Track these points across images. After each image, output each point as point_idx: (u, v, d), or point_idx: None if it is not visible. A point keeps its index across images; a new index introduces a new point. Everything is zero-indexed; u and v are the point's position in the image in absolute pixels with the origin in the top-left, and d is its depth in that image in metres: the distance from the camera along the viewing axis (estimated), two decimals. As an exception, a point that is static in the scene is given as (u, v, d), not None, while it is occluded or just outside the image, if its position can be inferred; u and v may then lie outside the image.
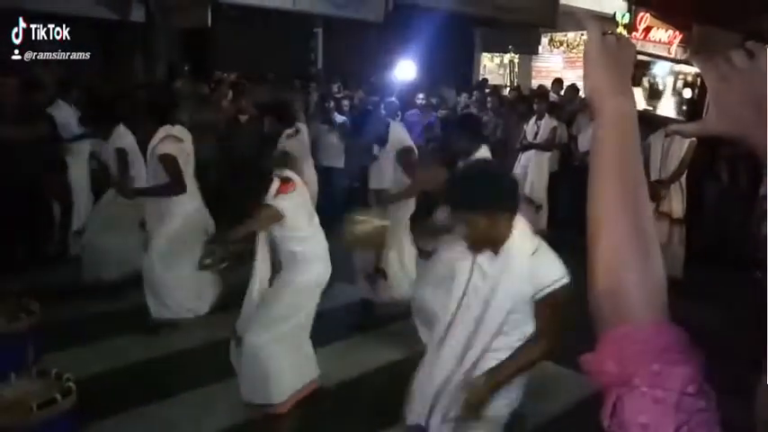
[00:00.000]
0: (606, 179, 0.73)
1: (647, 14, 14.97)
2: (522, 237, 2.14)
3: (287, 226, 2.96)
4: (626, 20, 14.58)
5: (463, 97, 9.43)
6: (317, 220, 3.20)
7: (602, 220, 0.72)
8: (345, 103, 7.66)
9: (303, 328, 3.13)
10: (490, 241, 2.14)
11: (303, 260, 3.05)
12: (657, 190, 5.56)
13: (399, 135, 4.44)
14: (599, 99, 0.78)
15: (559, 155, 7.38)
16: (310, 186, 4.16)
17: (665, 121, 0.79)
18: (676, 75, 0.80)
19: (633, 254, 0.70)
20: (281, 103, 5.66)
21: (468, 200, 2.13)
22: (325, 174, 6.24)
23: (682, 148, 5.50)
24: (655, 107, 0.80)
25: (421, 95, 8.44)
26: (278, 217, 2.92)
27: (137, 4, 9.30)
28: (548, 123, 7.03)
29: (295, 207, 2.98)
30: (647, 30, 15.02)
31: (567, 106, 8.17)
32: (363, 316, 4.43)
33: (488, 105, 7.79)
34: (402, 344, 3.90)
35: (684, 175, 5.60)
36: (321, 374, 3.26)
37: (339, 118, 7.19)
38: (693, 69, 0.80)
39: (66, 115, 5.58)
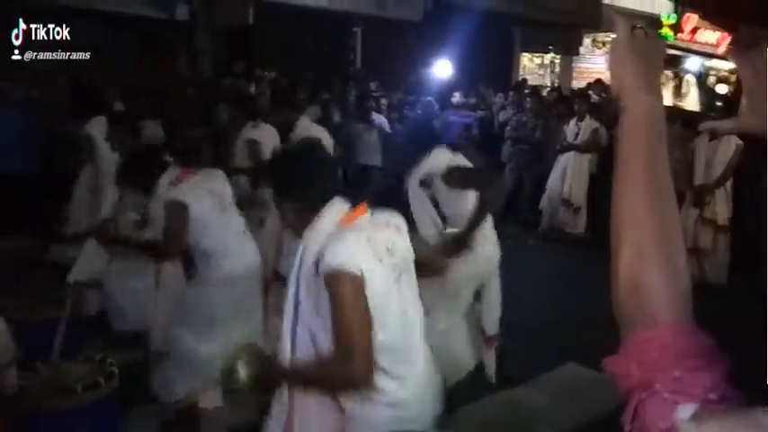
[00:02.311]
0: (631, 179, 0.72)
1: (694, 15, 14.58)
2: (328, 221, 1.81)
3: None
4: (672, 20, 14.22)
5: (499, 97, 9.35)
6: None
7: (626, 222, 0.71)
8: (383, 101, 7.69)
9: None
10: (291, 225, 1.96)
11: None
12: (702, 195, 5.42)
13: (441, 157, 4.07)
14: (625, 96, 0.76)
15: (600, 157, 7.26)
16: None
17: (695, 117, 0.76)
18: (708, 71, 0.78)
19: (658, 257, 0.68)
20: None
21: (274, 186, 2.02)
22: (363, 172, 6.29)
23: (727, 151, 5.36)
24: (682, 103, 0.77)
25: (458, 95, 8.41)
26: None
27: (181, 3, 9.53)
28: (588, 125, 6.93)
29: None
30: (694, 31, 14.61)
31: (608, 107, 8.02)
32: None
33: (527, 106, 7.72)
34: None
35: (730, 180, 5.45)
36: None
37: (377, 117, 7.23)
38: (727, 65, 0.78)
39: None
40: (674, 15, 14.33)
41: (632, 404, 0.63)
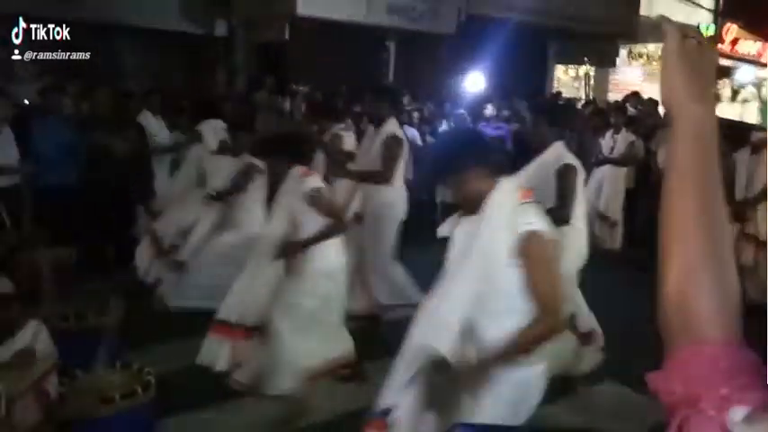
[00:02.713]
0: (681, 192, 0.70)
1: (734, 25, 14.25)
2: (506, 192, 2.04)
3: None
4: (711, 31, 13.93)
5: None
6: None
7: (675, 236, 0.69)
8: (415, 115, 7.71)
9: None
10: (470, 199, 2.08)
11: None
12: (743, 210, 5.27)
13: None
14: (676, 107, 0.74)
15: (636, 170, 7.13)
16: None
17: (750, 128, 0.75)
18: (761, 81, 0.76)
19: (706, 272, 0.67)
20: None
21: (440, 165, 2.19)
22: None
23: (771, 165, 5.21)
24: (740, 115, 0.76)
25: (490, 107, 8.39)
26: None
27: (220, 20, 9.78)
28: (625, 137, 6.81)
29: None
30: (734, 42, 14.28)
31: (645, 120, 7.89)
32: None
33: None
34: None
35: (773, 195, 5.28)
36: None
37: (409, 130, 7.24)
38: None
39: (151, 124, 5.91)
40: (713, 26, 14.04)
41: (675, 422, 0.62)
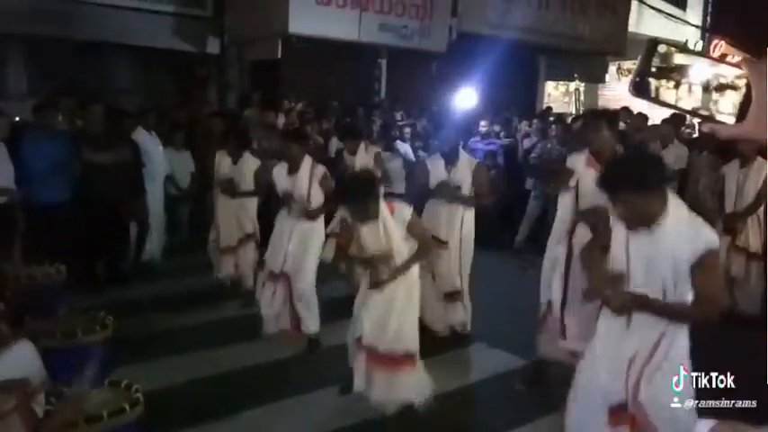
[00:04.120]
0: None
1: (722, 41, 14.46)
2: (677, 205, 2.32)
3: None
4: (699, 48, 14.13)
5: (523, 125, 9.35)
6: None
7: None
8: (407, 130, 7.76)
9: None
10: (647, 216, 2.29)
11: None
12: (733, 223, 5.31)
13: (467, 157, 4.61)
14: None
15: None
16: None
17: (705, 119, 0.75)
18: (717, 77, 0.77)
19: None
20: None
21: (623, 181, 2.31)
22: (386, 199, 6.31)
23: (758, 178, 5.25)
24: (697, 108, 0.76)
25: (483, 123, 8.44)
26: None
27: (212, 38, 9.83)
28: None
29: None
30: (722, 57, 14.44)
31: (634, 135, 7.96)
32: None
33: (552, 134, 7.69)
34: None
35: (762, 207, 5.32)
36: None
37: (401, 145, 7.28)
38: (735, 71, 0.77)
39: (146, 141, 5.91)
40: (701, 42, 14.24)
41: None
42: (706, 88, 0.75)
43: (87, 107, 5.58)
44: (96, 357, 3.20)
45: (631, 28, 12.51)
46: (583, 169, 3.45)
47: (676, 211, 2.30)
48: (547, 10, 11.65)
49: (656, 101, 0.77)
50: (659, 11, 13.18)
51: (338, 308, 4.18)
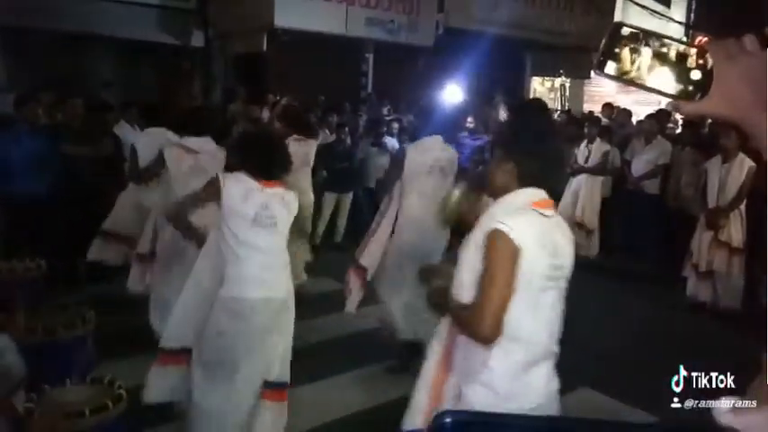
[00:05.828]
0: None
1: (706, 39, 14.59)
2: (523, 199, 1.90)
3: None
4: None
5: (510, 120, 9.38)
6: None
7: None
8: (395, 125, 7.76)
9: None
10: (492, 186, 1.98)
11: None
12: (716, 218, 5.37)
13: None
14: (748, 119, 0.71)
15: (613, 180, 7.23)
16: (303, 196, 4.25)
17: (668, 96, 0.76)
18: (680, 57, 0.78)
19: None
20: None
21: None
22: (372, 194, 6.32)
23: (740, 174, 5.32)
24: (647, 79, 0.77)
25: (470, 118, 8.46)
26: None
27: (196, 31, 9.73)
28: (599, 147, 6.92)
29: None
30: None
31: (618, 130, 8.02)
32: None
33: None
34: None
35: (744, 203, 5.39)
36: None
37: (389, 140, 7.28)
38: (696, 51, 0.79)
39: (127, 134, 5.84)
40: (685, 39, 14.34)
41: None
42: (669, 66, 0.76)
43: (67, 101, 5.49)
44: (78, 353, 3.17)
45: (616, 24, 12.58)
46: None
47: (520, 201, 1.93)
48: (533, 6, 11.70)
49: (620, 79, 0.79)
50: (644, 7, 13.25)
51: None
